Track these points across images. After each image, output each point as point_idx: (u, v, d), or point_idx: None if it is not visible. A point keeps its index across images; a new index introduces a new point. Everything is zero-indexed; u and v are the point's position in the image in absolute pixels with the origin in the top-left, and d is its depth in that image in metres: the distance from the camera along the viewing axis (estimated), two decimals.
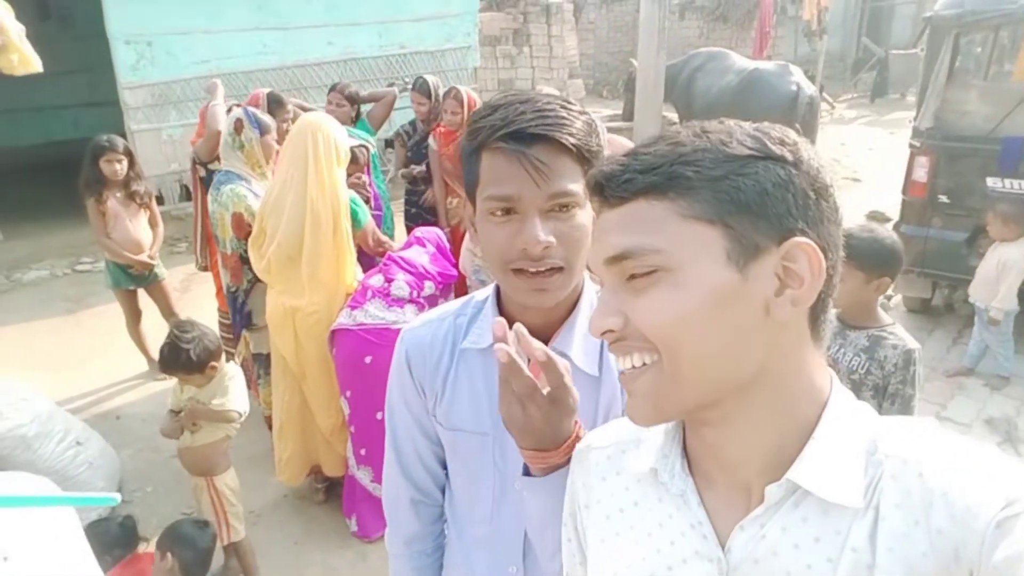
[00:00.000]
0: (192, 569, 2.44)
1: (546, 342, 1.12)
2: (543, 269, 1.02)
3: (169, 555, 2.42)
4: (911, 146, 4.85)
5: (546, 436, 0.92)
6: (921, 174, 4.76)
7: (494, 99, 1.08)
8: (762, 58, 10.97)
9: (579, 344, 1.13)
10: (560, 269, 1.03)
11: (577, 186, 1.01)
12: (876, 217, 7.28)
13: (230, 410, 2.80)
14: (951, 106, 4.78)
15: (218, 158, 4.26)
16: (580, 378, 1.13)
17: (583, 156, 1.01)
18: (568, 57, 11.86)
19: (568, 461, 0.94)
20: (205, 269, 4.69)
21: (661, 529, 0.77)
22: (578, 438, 0.95)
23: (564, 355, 1.11)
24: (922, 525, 0.63)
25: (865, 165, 9.66)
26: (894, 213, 5.49)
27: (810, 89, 7.20)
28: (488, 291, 1.22)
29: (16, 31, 2.19)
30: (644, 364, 0.69)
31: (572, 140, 0.99)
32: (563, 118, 1.00)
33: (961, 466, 0.64)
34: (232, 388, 2.83)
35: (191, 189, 4.58)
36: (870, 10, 17.56)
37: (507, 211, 1.02)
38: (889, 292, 5.45)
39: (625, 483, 0.83)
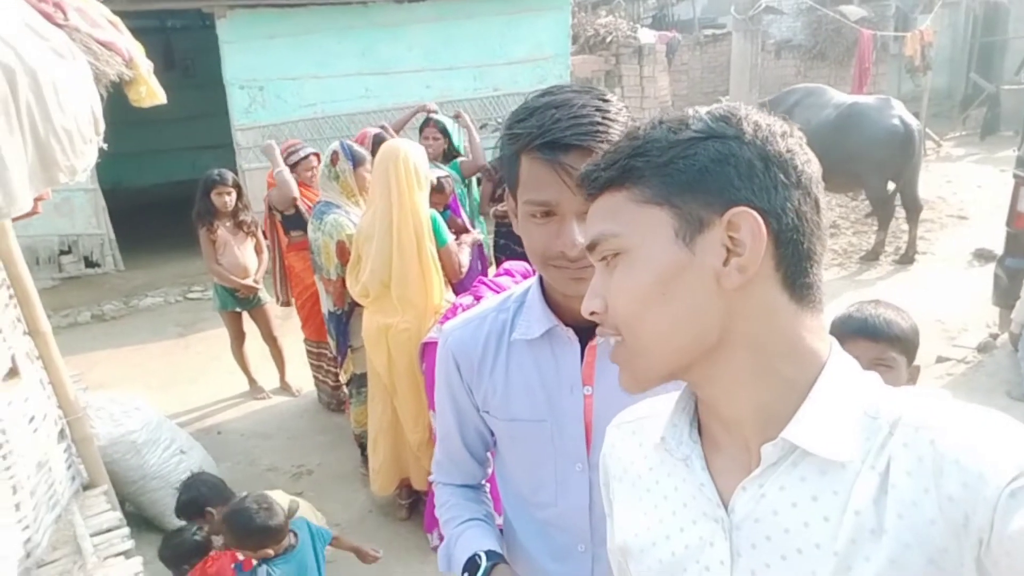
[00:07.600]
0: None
1: (593, 331, 1.18)
2: (580, 268, 1.08)
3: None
4: (1016, 176, 4.64)
5: None
6: None
7: (529, 100, 1.10)
8: (862, 94, 10.69)
9: None
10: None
11: None
12: (983, 255, 6.93)
13: None
14: None
15: (294, 206, 4.52)
16: None
17: None
18: (660, 97, 11.91)
19: None
20: (286, 304, 4.93)
21: (676, 492, 0.81)
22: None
23: None
24: (932, 493, 0.63)
25: (972, 203, 9.21)
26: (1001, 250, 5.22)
27: (914, 123, 6.96)
28: (528, 285, 1.26)
29: (145, 66, 2.45)
30: (618, 340, 0.76)
31: (607, 147, 1.03)
32: (598, 124, 1.03)
33: (974, 433, 0.64)
34: None
35: (265, 232, 4.84)
36: (980, 45, 16.86)
37: (546, 214, 1.08)
38: (995, 330, 5.18)
39: (645, 453, 0.87)
